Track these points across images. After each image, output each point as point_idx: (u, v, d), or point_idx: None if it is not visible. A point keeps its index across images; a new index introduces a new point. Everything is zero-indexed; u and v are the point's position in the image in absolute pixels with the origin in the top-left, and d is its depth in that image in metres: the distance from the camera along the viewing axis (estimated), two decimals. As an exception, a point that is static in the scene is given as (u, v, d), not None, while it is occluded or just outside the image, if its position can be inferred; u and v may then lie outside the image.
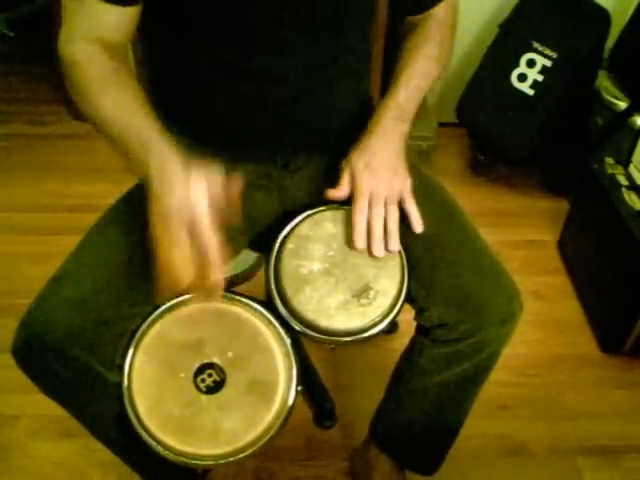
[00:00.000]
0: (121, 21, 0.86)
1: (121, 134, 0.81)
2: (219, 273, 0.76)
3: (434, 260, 0.95)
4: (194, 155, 0.78)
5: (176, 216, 0.74)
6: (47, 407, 0.93)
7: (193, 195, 0.74)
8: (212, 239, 0.75)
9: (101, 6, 0.83)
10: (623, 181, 1.59)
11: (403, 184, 0.91)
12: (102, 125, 0.84)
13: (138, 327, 0.89)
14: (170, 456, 0.85)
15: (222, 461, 0.86)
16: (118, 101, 0.83)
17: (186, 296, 0.91)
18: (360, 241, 0.89)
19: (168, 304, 0.90)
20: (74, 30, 0.86)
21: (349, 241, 0.91)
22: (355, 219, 0.88)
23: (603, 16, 1.87)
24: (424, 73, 0.97)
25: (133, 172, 0.82)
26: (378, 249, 0.89)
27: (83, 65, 0.85)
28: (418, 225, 0.92)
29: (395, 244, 0.90)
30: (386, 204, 0.89)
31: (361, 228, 0.88)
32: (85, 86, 0.85)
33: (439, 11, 1.01)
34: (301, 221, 0.95)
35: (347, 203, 0.96)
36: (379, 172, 0.89)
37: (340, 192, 0.90)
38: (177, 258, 0.74)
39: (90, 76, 0.84)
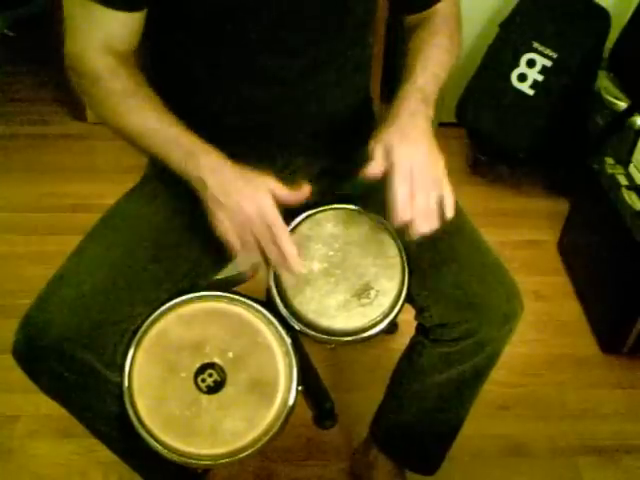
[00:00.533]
0: (128, 27, 0.86)
1: (160, 145, 0.84)
2: (298, 262, 0.81)
3: (435, 260, 0.95)
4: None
5: (245, 213, 0.79)
6: (47, 407, 0.93)
7: (262, 197, 0.79)
8: (288, 241, 0.80)
9: (108, 13, 0.83)
10: (623, 181, 1.59)
11: (439, 163, 0.85)
12: (135, 138, 0.86)
13: (139, 327, 0.89)
14: (170, 456, 0.86)
15: (222, 461, 0.86)
16: (149, 114, 0.84)
17: (187, 296, 0.91)
18: (404, 214, 0.81)
19: (168, 304, 0.90)
20: (86, 43, 0.86)
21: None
22: (396, 193, 0.80)
23: (603, 16, 1.87)
24: (439, 61, 0.94)
25: (178, 174, 0.84)
26: (422, 224, 0.81)
27: (107, 80, 0.85)
28: (450, 209, 0.84)
29: (433, 222, 0.82)
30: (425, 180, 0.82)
31: (404, 200, 0.80)
32: (110, 102, 0.86)
33: (442, 7, 0.99)
34: (301, 221, 0.95)
35: (348, 203, 0.96)
36: (416, 145, 0.83)
37: (376, 168, 0.82)
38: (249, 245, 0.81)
39: (116, 91, 0.85)
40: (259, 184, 0.81)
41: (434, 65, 0.92)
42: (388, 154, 0.82)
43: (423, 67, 0.91)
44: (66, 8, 0.86)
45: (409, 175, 0.81)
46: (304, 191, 0.83)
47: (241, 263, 1.16)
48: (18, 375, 0.87)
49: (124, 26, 0.86)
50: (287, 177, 1.04)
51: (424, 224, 0.81)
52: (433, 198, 0.82)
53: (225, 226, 0.81)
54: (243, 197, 0.79)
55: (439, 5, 0.99)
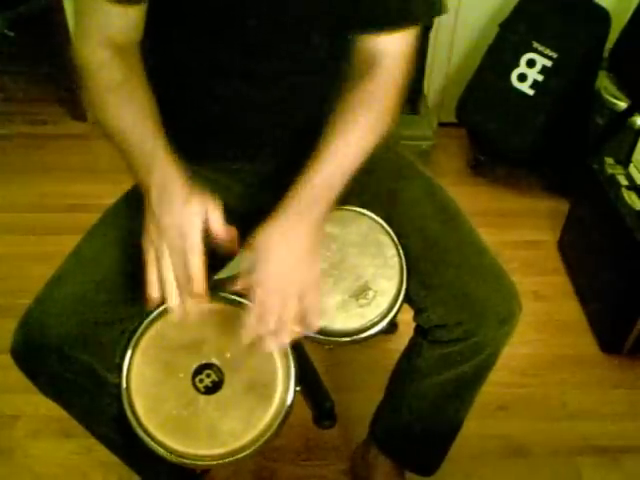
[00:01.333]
0: (128, 20, 0.87)
1: (125, 144, 0.83)
2: (201, 290, 0.78)
3: (433, 260, 0.95)
4: (194, 177, 0.80)
5: (169, 238, 0.77)
6: (47, 407, 0.94)
7: (189, 222, 0.77)
8: (198, 267, 0.77)
9: (108, 6, 0.84)
10: (623, 181, 1.59)
11: (307, 275, 0.82)
12: (109, 133, 0.85)
13: (136, 327, 0.88)
14: (169, 456, 0.85)
15: (221, 461, 0.86)
16: (125, 111, 0.84)
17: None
18: (249, 336, 0.80)
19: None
20: (86, 32, 0.87)
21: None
22: (248, 314, 0.80)
23: (603, 16, 1.87)
24: (354, 149, 0.87)
25: (135, 180, 0.83)
26: (269, 343, 0.80)
27: (93, 72, 0.86)
28: (313, 321, 0.82)
29: (284, 338, 0.80)
30: (284, 299, 0.79)
31: (251, 323, 0.79)
32: (95, 93, 0.86)
33: (391, 49, 0.91)
34: None
35: (348, 203, 0.96)
36: (283, 260, 0.80)
37: (240, 284, 0.82)
38: (163, 272, 0.78)
39: (99, 83, 0.85)
40: (193, 207, 0.78)
41: (341, 157, 0.86)
42: (253, 265, 0.80)
43: (326, 160, 0.85)
44: (75, 4, 0.87)
45: (260, 298, 0.79)
46: (230, 233, 0.80)
47: (241, 262, 1.16)
48: (18, 375, 0.87)
49: (123, 19, 0.86)
50: (282, 177, 1.04)
51: (270, 343, 0.80)
52: (288, 314, 0.79)
53: (148, 241, 0.79)
54: (171, 215, 0.77)
55: (389, 46, 0.90)
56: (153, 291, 0.79)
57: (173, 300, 0.79)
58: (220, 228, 0.79)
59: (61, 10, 2.15)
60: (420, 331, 1.01)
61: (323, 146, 0.86)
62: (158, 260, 0.78)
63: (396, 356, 1.11)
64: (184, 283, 0.78)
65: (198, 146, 0.95)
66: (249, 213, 1.04)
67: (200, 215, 0.78)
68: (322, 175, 0.84)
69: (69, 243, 0.94)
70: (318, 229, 0.83)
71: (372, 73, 0.90)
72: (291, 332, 0.80)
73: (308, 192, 0.83)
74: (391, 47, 0.91)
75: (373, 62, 0.91)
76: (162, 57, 0.96)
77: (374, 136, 0.89)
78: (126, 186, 1.02)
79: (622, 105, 1.82)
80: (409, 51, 0.92)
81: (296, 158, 0.96)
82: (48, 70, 2.59)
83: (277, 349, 0.86)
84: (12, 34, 2.88)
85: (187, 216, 0.77)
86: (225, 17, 0.87)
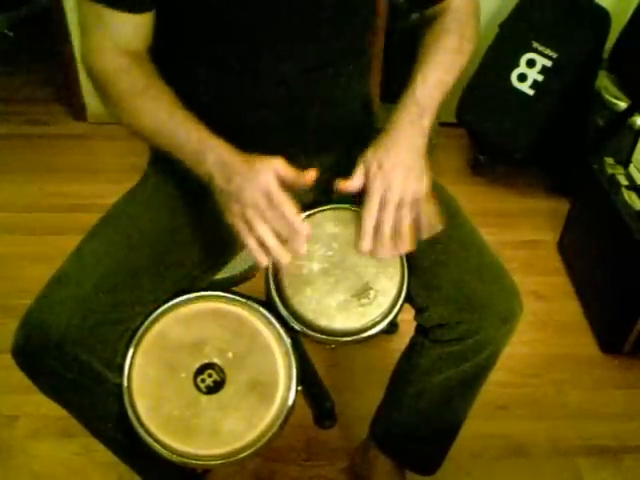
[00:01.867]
0: (138, 28, 0.87)
1: (169, 142, 0.85)
2: (306, 229, 0.81)
3: (434, 260, 0.95)
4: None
5: (255, 204, 0.79)
6: (47, 407, 0.93)
7: (265, 181, 0.79)
8: (294, 211, 0.80)
9: (117, 16, 0.84)
10: (623, 181, 1.59)
11: (418, 185, 0.86)
12: (146, 135, 0.87)
13: (138, 327, 0.89)
14: (170, 456, 0.85)
15: (222, 461, 0.86)
16: (158, 111, 0.85)
17: (187, 296, 0.91)
18: (365, 245, 0.85)
19: (168, 304, 0.90)
20: (98, 45, 0.86)
21: (354, 242, 0.90)
22: (363, 222, 0.85)
23: (603, 16, 1.87)
24: (444, 65, 0.93)
25: (196, 174, 0.84)
26: (381, 252, 0.85)
27: (116, 78, 0.86)
28: (425, 232, 0.88)
29: (404, 247, 0.86)
30: (399, 207, 0.85)
31: (368, 232, 0.85)
32: (122, 99, 0.87)
33: (455, 2, 0.98)
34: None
35: (348, 203, 0.96)
36: (392, 174, 0.85)
37: (350, 186, 0.86)
38: (263, 236, 0.80)
39: (123, 90, 0.86)
40: (261, 166, 0.80)
41: (439, 71, 0.92)
42: (366, 177, 0.86)
43: (423, 77, 0.91)
44: (78, 11, 0.87)
45: (376, 208, 0.85)
46: (310, 175, 0.83)
47: (242, 262, 1.17)
48: (18, 375, 0.87)
49: (133, 27, 0.86)
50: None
51: (386, 252, 0.86)
52: (405, 222, 0.85)
53: (234, 215, 0.81)
54: (245, 180, 0.79)
55: (453, 1, 0.98)
56: (262, 258, 0.80)
57: (284, 256, 0.80)
58: (296, 175, 0.82)
59: (61, 10, 2.15)
60: (421, 330, 1.01)
61: (413, 72, 0.92)
62: (253, 230, 0.80)
63: (396, 356, 1.11)
64: (288, 232, 0.80)
65: None
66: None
67: (272, 171, 0.80)
68: (424, 87, 0.90)
69: (69, 243, 0.93)
70: (425, 139, 0.90)
71: (441, 15, 0.98)
72: (407, 241, 0.85)
73: (414, 104, 0.90)
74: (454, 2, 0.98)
75: (440, 12, 0.98)
76: (171, 58, 0.96)
77: (461, 56, 0.96)
78: (126, 186, 1.02)
79: (622, 105, 1.82)
80: None
81: (311, 159, 0.96)
82: (48, 70, 2.59)
83: (392, 257, 0.91)
84: (12, 34, 2.89)
85: (261, 177, 0.79)
86: (238, 17, 0.87)
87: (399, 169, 0.86)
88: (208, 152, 0.82)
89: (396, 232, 0.85)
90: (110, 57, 0.86)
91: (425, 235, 0.88)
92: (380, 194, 0.85)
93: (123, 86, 0.86)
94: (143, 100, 0.86)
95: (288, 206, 0.79)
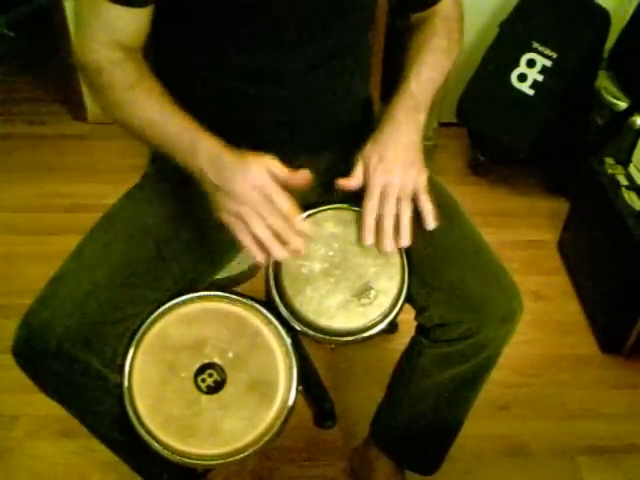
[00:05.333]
0: (135, 23, 0.86)
1: (160, 137, 0.84)
2: (302, 223, 0.82)
3: (435, 260, 0.95)
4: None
5: (248, 199, 0.79)
6: (47, 407, 0.93)
7: (259, 175, 0.79)
8: (289, 205, 0.80)
9: (115, 10, 0.83)
10: (623, 181, 1.59)
11: (417, 178, 0.88)
12: (135, 130, 0.86)
13: (138, 327, 0.89)
14: (170, 456, 0.85)
15: (222, 461, 0.86)
16: (151, 107, 0.85)
17: (187, 296, 0.91)
18: (368, 238, 0.87)
19: (168, 304, 0.90)
20: (92, 36, 0.86)
21: (357, 237, 0.91)
22: (365, 216, 0.87)
23: (603, 16, 1.87)
24: (435, 65, 0.95)
25: (187, 170, 0.84)
26: (385, 245, 0.87)
27: (109, 72, 0.85)
28: (430, 222, 0.89)
29: (405, 240, 0.87)
30: (399, 199, 0.87)
31: (370, 225, 0.87)
32: (114, 91, 0.86)
33: (443, 7, 1.00)
34: None
35: (349, 202, 0.96)
36: (392, 166, 0.87)
37: (351, 183, 0.88)
38: (257, 231, 0.79)
39: (115, 83, 0.85)
40: (253, 160, 0.80)
41: (431, 69, 0.94)
42: (366, 172, 0.87)
43: (417, 73, 0.93)
44: (76, 4, 0.87)
45: (377, 202, 0.87)
46: (303, 174, 0.83)
47: (242, 262, 1.17)
48: (18, 375, 0.87)
49: (130, 22, 0.86)
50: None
51: (386, 246, 0.87)
52: (405, 215, 0.87)
53: (228, 213, 0.81)
54: (235, 174, 0.79)
55: (440, 5, 1.00)
56: (258, 254, 0.80)
57: (278, 251, 0.80)
58: (289, 173, 0.81)
59: (61, 10, 2.15)
60: (421, 330, 1.01)
61: (405, 69, 0.94)
62: (247, 226, 0.80)
63: (396, 356, 1.11)
64: (283, 226, 0.80)
65: None
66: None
67: (264, 167, 0.80)
68: (419, 83, 0.92)
69: (69, 243, 0.93)
70: (421, 134, 0.91)
71: (430, 18, 1.00)
72: (407, 234, 0.87)
73: (411, 97, 0.91)
74: (442, 5, 1.01)
75: (429, 16, 1.01)
76: (169, 57, 0.96)
77: (448, 58, 0.98)
78: (126, 186, 1.02)
79: (622, 105, 1.82)
80: None
81: (311, 157, 0.96)
82: (48, 70, 2.59)
83: (393, 257, 0.92)
84: (12, 34, 2.89)
85: (253, 171, 0.79)
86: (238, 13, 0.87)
87: (399, 162, 0.87)
88: (200, 147, 0.81)
89: (396, 225, 0.87)
90: (104, 50, 0.85)
91: (430, 226, 0.90)
92: (381, 187, 0.86)
93: (115, 79, 0.85)
94: (134, 93, 0.85)
95: (283, 201, 0.80)
